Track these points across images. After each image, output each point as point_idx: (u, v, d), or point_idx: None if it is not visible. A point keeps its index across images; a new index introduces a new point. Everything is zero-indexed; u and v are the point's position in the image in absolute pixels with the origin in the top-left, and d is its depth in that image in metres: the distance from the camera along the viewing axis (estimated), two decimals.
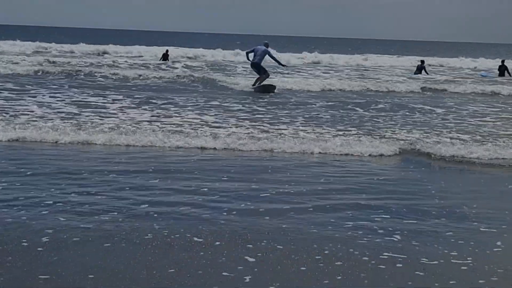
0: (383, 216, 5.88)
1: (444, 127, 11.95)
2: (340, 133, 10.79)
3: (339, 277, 4.37)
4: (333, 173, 7.68)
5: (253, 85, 19.16)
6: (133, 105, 13.51)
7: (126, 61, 28.29)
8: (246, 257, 4.68)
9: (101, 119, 11.42)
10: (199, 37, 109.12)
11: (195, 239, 5.05)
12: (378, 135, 10.62)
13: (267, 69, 19.59)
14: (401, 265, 4.64)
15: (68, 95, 14.99)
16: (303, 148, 9.23)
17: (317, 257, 4.75)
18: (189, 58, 37.38)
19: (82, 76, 19.99)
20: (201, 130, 10.51)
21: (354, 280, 4.33)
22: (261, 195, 6.49)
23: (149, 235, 5.11)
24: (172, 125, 11.03)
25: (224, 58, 37.12)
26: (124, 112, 12.45)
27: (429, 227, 5.60)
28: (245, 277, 4.30)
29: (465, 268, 4.64)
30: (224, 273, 4.36)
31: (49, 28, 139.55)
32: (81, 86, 17.10)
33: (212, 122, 11.53)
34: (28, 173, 7.16)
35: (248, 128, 11.00)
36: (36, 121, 10.86)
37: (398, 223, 5.65)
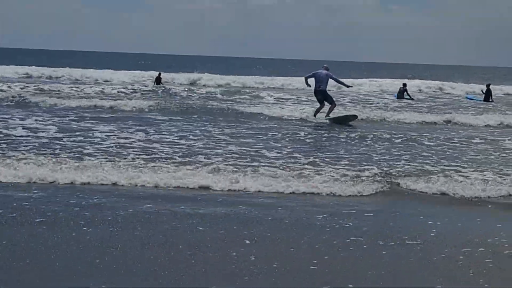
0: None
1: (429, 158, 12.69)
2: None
3: (326, 257, 6.09)
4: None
5: (314, 115, 19.33)
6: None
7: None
8: (245, 240, 6.52)
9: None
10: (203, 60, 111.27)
11: (200, 228, 6.89)
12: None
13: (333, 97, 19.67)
14: (365, 246, 6.44)
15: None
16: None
17: (301, 241, 6.58)
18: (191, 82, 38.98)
19: (108, 109, 20.57)
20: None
21: (337, 258, 6.07)
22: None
23: (166, 226, 6.95)
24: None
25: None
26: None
27: (381, 222, 7.62)
28: (251, 256, 5.96)
29: (419, 248, 6.30)
30: (233, 253, 6.01)
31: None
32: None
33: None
34: None
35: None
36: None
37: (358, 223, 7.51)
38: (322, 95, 19.07)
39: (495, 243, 6.77)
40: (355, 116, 19.16)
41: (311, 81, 19.40)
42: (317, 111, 19.45)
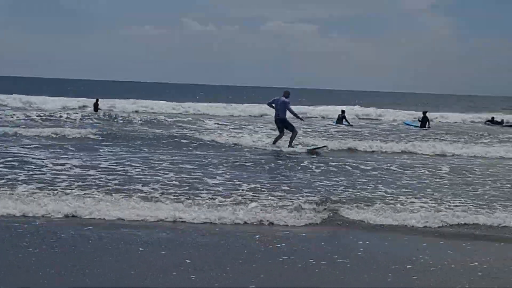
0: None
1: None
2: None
3: (262, 276, 6.62)
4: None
5: (273, 142, 19.28)
6: None
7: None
8: (187, 260, 6.98)
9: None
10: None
11: (140, 248, 7.39)
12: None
13: (294, 124, 19.45)
14: (299, 265, 7.00)
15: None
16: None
17: (239, 260, 7.13)
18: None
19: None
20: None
21: (272, 276, 6.61)
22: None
23: (108, 246, 7.36)
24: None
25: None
26: None
27: (312, 243, 8.20)
28: (191, 276, 6.40)
29: (348, 266, 6.96)
30: (173, 273, 6.43)
31: None
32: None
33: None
34: None
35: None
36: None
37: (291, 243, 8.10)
38: (281, 123, 19.13)
39: (420, 261, 7.44)
40: (325, 146, 19.41)
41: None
42: (277, 139, 19.55)
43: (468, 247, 8.28)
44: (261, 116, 37.52)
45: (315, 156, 17.66)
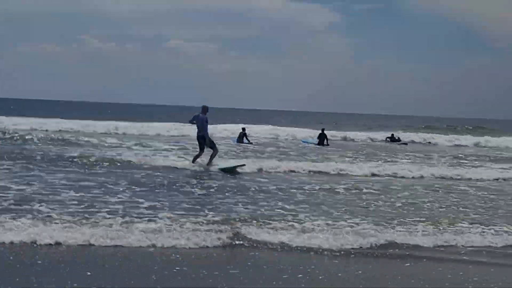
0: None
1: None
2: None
3: (159, 287, 7.06)
4: None
5: (193, 161, 19.39)
6: None
7: None
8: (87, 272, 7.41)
9: None
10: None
11: (39, 262, 7.75)
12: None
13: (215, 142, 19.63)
14: (194, 275, 7.63)
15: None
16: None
17: (138, 272, 7.58)
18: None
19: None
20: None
21: (170, 283, 7.16)
22: None
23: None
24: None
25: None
26: None
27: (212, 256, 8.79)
28: None
29: (240, 276, 7.72)
30: (74, 284, 6.88)
31: None
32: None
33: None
34: None
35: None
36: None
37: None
38: (203, 140, 19.43)
39: (308, 270, 8.16)
40: (244, 165, 19.63)
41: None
42: (196, 157, 19.70)
43: (353, 256, 9.09)
44: (178, 135, 37.81)
45: (217, 174, 18.16)
